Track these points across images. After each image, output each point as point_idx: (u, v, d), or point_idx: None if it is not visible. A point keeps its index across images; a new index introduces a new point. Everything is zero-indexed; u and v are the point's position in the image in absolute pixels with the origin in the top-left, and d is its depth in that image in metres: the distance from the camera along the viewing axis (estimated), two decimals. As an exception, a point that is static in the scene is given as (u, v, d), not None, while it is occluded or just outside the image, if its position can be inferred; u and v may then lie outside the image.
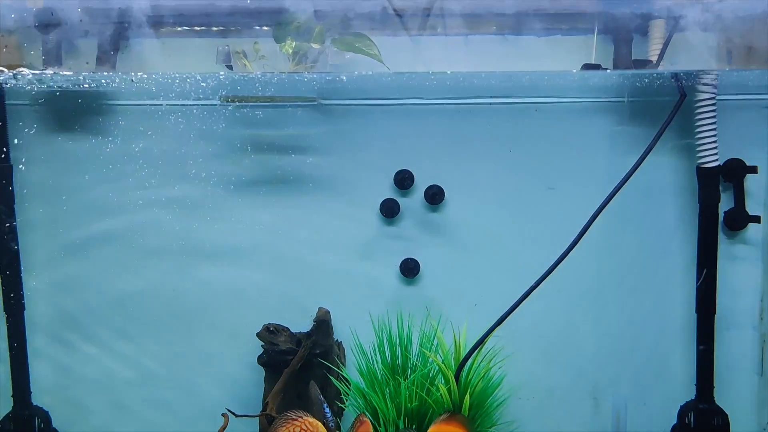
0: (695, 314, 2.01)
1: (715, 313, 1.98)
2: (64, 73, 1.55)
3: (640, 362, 2.10)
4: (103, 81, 1.73)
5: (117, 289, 2.05)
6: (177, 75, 1.73)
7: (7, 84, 1.67)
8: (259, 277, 2.08)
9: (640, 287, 2.09)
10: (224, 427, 1.61)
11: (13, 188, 1.93)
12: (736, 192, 1.99)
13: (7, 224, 1.88)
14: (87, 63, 1.61)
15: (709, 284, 1.97)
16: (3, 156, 1.88)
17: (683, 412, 2.02)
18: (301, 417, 1.45)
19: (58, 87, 1.78)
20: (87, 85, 1.73)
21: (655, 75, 1.85)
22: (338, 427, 1.64)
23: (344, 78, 1.83)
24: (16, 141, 1.96)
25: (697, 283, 1.97)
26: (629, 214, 2.05)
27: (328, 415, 1.55)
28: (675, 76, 1.81)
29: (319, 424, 1.46)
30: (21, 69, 1.48)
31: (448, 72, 1.70)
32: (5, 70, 1.50)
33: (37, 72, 1.51)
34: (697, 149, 1.94)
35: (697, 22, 1.63)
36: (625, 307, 2.09)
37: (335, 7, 1.61)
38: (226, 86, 1.91)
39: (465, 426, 1.51)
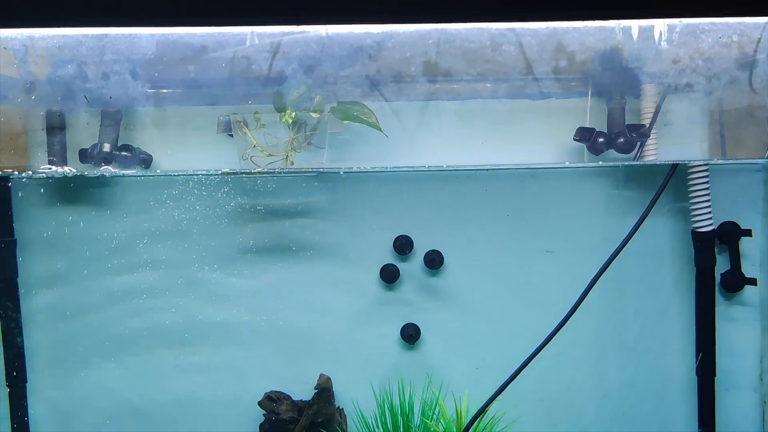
0: (695, 376, 2.02)
1: (715, 375, 2.00)
2: (70, 170, 1.58)
3: (643, 424, 2.09)
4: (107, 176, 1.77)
5: (109, 365, 2.05)
6: (181, 172, 1.75)
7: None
8: (258, 345, 2.08)
9: (640, 349, 2.10)
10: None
11: (16, 261, 1.95)
12: (732, 255, 2.02)
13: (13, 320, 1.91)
14: (92, 162, 1.64)
15: (708, 348, 1.99)
16: (7, 230, 1.91)
17: (687, 476, 2.03)
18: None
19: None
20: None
21: (644, 166, 1.90)
22: None
23: (342, 172, 1.85)
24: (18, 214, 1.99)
25: (696, 363, 1.99)
26: (627, 277, 2.07)
27: None
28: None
29: None
30: (29, 172, 1.50)
31: (444, 166, 1.74)
32: (16, 172, 1.53)
33: (45, 172, 1.53)
34: (692, 214, 1.97)
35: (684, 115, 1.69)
36: (625, 369, 2.10)
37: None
38: (228, 183, 1.94)
39: None
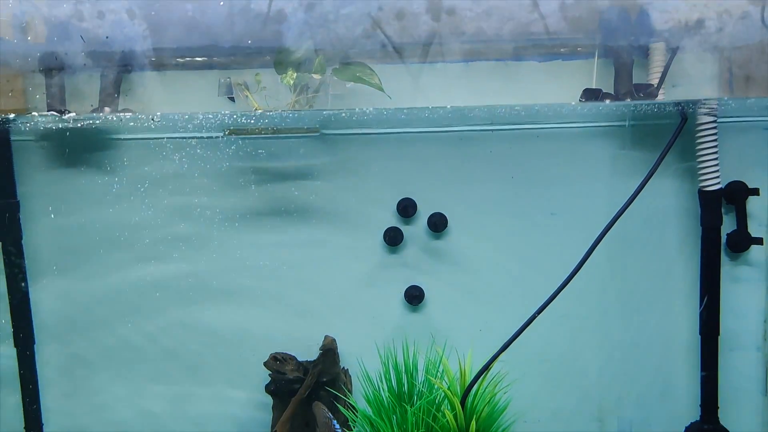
0: (699, 336, 2.03)
1: (718, 334, 2.00)
2: (69, 115, 1.56)
3: (645, 384, 2.11)
4: (108, 119, 1.75)
5: (123, 327, 2.07)
6: (179, 115, 1.74)
7: (13, 125, 1.69)
8: (264, 308, 2.09)
9: (644, 310, 2.10)
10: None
11: (20, 224, 1.95)
12: (738, 214, 2.00)
13: (17, 263, 1.91)
14: (91, 105, 1.62)
15: (713, 306, 1.99)
16: (10, 192, 1.91)
17: (688, 433, 2.05)
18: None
19: (63, 127, 1.79)
20: (91, 123, 1.74)
21: (655, 106, 1.86)
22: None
23: (344, 115, 1.83)
24: (21, 177, 1.99)
25: (699, 308, 1.98)
26: (632, 237, 2.06)
27: (337, 429, 1.56)
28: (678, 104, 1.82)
29: None
30: (30, 114, 1.49)
31: (448, 107, 1.71)
32: (12, 115, 1.51)
33: (44, 115, 1.52)
34: (699, 173, 1.95)
35: (696, 53, 1.64)
36: (628, 329, 2.11)
37: (335, 46, 1.62)
38: (229, 125, 1.92)
39: None
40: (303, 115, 1.90)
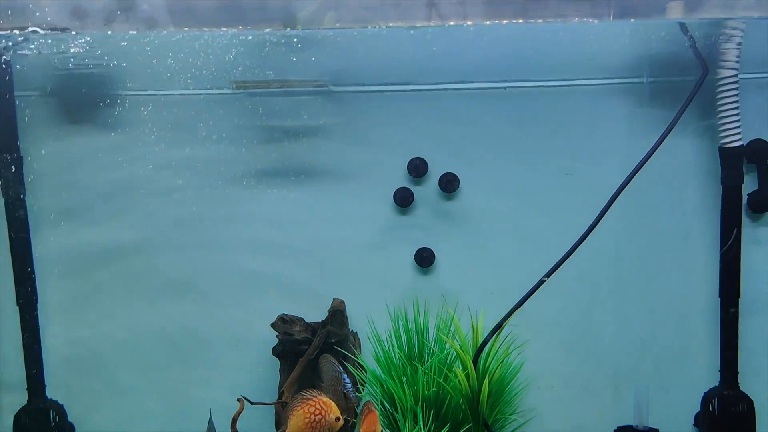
0: (718, 299, 1.97)
1: (739, 297, 1.94)
2: (73, 32, 1.49)
3: (662, 349, 2.05)
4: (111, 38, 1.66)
5: (125, 281, 2.03)
6: (185, 33, 1.65)
7: (18, 48, 1.62)
8: (272, 269, 2.05)
9: (661, 273, 2.04)
10: (239, 412, 1.59)
11: (23, 179, 1.92)
12: (760, 173, 1.94)
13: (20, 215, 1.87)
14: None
15: (732, 269, 1.93)
16: (13, 147, 1.87)
17: (707, 398, 1.98)
18: (316, 397, 1.44)
19: (67, 55, 1.73)
20: (97, 51, 1.67)
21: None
22: (357, 395, 1.59)
23: (355, 33, 1.68)
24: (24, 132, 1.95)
25: (724, 247, 1.90)
26: (649, 198, 2.00)
27: (348, 384, 1.52)
28: (694, 45, 1.74)
29: (333, 403, 1.44)
30: (33, 29, 1.42)
31: (466, 24, 1.61)
32: (17, 31, 1.44)
33: (47, 32, 1.44)
34: (720, 129, 1.89)
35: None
36: (645, 293, 2.05)
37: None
38: (235, 45, 1.80)
39: None
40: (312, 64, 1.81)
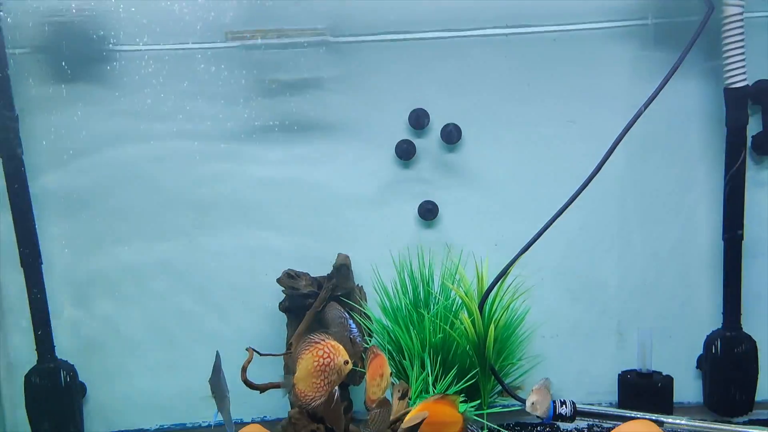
0: (722, 242, 1.97)
1: (742, 240, 1.94)
2: None
3: (665, 295, 2.07)
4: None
5: (131, 241, 2.02)
6: None
7: None
8: (275, 225, 2.04)
9: (665, 219, 2.04)
10: (249, 361, 1.60)
11: (20, 139, 1.89)
12: (765, 115, 1.92)
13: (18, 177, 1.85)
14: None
15: (736, 211, 1.93)
16: (8, 106, 1.84)
17: (710, 341, 2.00)
18: (324, 340, 1.44)
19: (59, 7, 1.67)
20: None
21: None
22: (364, 340, 1.60)
23: None
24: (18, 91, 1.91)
25: (730, 171, 1.89)
26: (652, 143, 1.99)
27: (353, 329, 1.52)
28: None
29: (341, 347, 1.44)
30: None
31: None
32: None
33: None
34: (725, 69, 1.86)
35: None
36: (649, 239, 2.05)
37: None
38: (235, 55, 1.79)
39: (455, 405, 1.45)
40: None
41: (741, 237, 1.92)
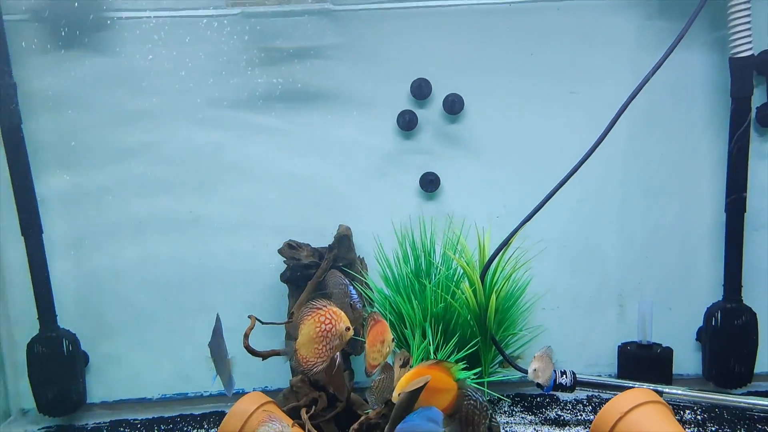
0: (724, 215, 1.97)
1: (744, 212, 1.94)
2: None
3: (666, 267, 2.07)
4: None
5: (132, 211, 2.01)
6: None
7: None
8: (275, 196, 2.03)
9: (667, 191, 2.04)
10: (251, 328, 1.60)
11: (18, 107, 1.87)
12: (770, 85, 1.92)
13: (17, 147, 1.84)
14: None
15: (739, 183, 1.92)
16: (6, 73, 1.82)
17: (710, 313, 2.01)
18: (326, 306, 1.44)
19: None
20: None
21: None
22: (364, 308, 1.60)
23: None
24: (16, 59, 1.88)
25: (735, 135, 1.87)
26: (656, 114, 1.98)
27: (354, 295, 1.53)
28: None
29: (343, 313, 1.45)
30: None
31: None
32: None
33: None
34: (730, 38, 1.84)
35: None
36: (650, 212, 2.05)
37: None
38: (237, 24, 1.76)
39: (450, 373, 1.43)
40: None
41: (744, 200, 1.91)
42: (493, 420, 1.40)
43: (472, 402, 1.40)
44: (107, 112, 1.96)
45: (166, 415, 2.04)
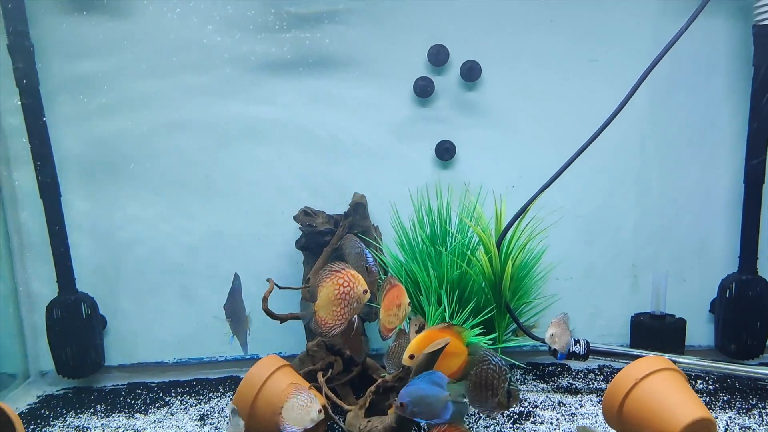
0: (742, 185, 1.96)
1: (763, 183, 1.93)
2: None
3: (682, 239, 2.07)
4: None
5: (150, 174, 2.01)
6: None
7: None
8: (290, 164, 2.02)
9: (685, 161, 2.02)
10: (270, 291, 1.61)
11: (36, 69, 1.87)
12: (794, 55, 1.88)
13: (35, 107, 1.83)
14: None
15: (759, 153, 1.91)
16: (23, 34, 1.82)
17: (724, 285, 2.01)
18: (344, 269, 1.45)
19: None
20: None
21: None
22: (379, 272, 1.61)
23: None
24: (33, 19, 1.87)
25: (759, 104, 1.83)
26: (677, 83, 1.96)
27: (370, 259, 1.53)
28: None
29: (360, 276, 1.46)
30: None
31: None
32: None
33: None
34: (755, 5, 1.81)
35: None
36: (667, 183, 2.04)
37: None
38: None
39: (460, 337, 1.43)
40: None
41: (763, 171, 1.91)
42: (512, 384, 1.41)
43: (491, 366, 1.41)
44: (121, 72, 1.94)
45: (182, 379, 2.08)
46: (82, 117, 1.95)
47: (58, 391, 2.02)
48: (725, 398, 1.81)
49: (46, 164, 1.90)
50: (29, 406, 1.91)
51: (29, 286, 2.02)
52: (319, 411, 1.44)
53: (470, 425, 1.66)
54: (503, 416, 1.72)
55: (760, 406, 1.74)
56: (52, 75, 1.90)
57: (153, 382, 2.06)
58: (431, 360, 1.39)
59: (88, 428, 1.76)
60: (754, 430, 1.62)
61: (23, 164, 1.93)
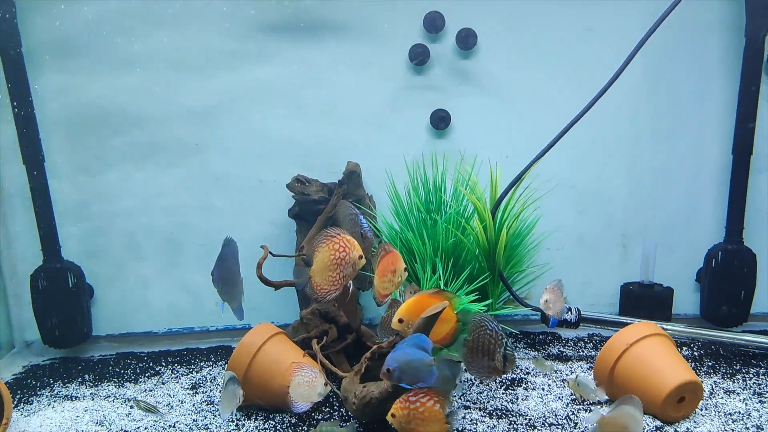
0: (731, 156, 1.99)
1: (751, 154, 1.96)
2: None
3: (672, 210, 2.10)
4: None
5: (136, 146, 1.95)
6: None
7: None
8: (283, 128, 1.98)
9: (676, 132, 2.04)
10: (264, 257, 1.59)
11: (18, 31, 1.78)
12: (785, 26, 1.90)
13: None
14: None
15: (747, 124, 1.93)
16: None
17: (711, 254, 2.05)
18: (339, 234, 1.44)
19: None
20: None
21: None
22: (375, 236, 1.60)
23: None
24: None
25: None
26: (669, 55, 1.96)
27: (364, 224, 1.52)
28: None
29: (356, 242, 1.45)
30: None
31: None
32: None
33: None
34: (750, -24, 1.82)
35: None
36: (659, 154, 2.06)
37: None
38: None
39: (450, 302, 1.43)
40: None
41: (751, 142, 1.94)
42: (508, 348, 1.43)
43: (487, 331, 1.42)
44: (111, 36, 1.87)
45: (172, 349, 2.06)
46: (66, 79, 1.88)
47: (44, 361, 1.98)
48: (710, 364, 1.85)
49: (29, 129, 1.83)
50: (15, 376, 1.87)
51: (12, 253, 1.96)
52: (325, 384, 1.44)
53: (464, 392, 1.68)
54: (496, 383, 1.74)
55: (743, 371, 1.80)
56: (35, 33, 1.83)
57: (143, 352, 2.03)
58: (428, 324, 1.40)
59: (76, 397, 1.73)
60: (737, 393, 1.67)
61: (5, 129, 1.86)
